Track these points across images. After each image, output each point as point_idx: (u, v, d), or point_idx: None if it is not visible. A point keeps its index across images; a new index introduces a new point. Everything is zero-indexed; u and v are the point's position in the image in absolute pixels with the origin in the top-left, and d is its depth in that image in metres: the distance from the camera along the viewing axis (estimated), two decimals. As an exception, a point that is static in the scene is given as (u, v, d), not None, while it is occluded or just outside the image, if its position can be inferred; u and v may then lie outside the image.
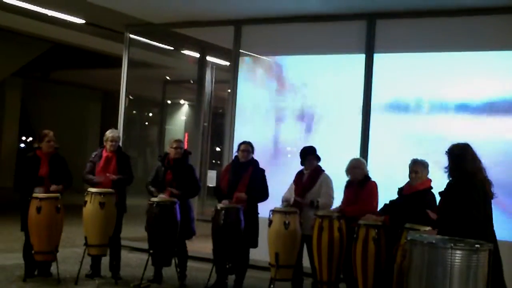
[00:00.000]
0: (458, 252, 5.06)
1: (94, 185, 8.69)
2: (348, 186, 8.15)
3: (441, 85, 9.51)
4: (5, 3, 11.71)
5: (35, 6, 11.86)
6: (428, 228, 6.36)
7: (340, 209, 7.99)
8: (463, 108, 9.35)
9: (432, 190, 7.16)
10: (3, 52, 19.58)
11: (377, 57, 9.86)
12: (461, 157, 6.03)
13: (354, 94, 9.96)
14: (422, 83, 9.64)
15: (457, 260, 5.05)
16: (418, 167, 7.29)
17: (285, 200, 8.39)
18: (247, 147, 8.65)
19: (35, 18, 13.50)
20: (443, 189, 6.28)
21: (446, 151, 6.15)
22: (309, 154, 8.40)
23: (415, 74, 9.69)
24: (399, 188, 7.42)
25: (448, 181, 6.22)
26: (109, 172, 8.69)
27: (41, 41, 18.07)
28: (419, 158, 7.39)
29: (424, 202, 6.95)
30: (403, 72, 9.80)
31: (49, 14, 12.41)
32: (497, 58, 9.23)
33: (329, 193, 8.26)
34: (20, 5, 11.76)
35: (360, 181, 8.01)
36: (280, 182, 8.70)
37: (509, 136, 9.03)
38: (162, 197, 8.40)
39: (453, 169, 6.07)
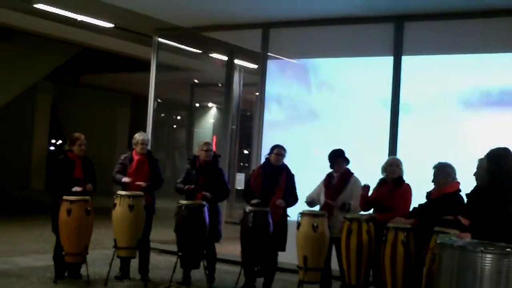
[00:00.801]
0: (488, 256, 4.99)
1: (122, 185, 8.77)
2: (382, 185, 8.07)
3: (469, 87, 9.45)
4: (36, 8, 11.84)
5: (65, 11, 11.97)
6: (456, 232, 6.30)
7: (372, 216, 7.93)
8: (492, 109, 9.28)
9: (460, 193, 7.11)
10: (34, 57, 19.82)
11: (405, 59, 9.82)
12: (503, 159, 5.94)
13: (382, 97, 9.93)
14: (451, 84, 9.58)
15: (487, 264, 4.99)
16: (445, 171, 7.24)
17: (310, 197, 8.39)
18: (281, 151, 8.60)
19: (65, 23, 13.63)
20: (470, 192, 6.24)
21: (487, 154, 6.06)
22: (338, 157, 8.37)
23: (443, 76, 9.64)
24: (427, 192, 7.38)
25: (475, 185, 6.16)
26: (142, 175, 8.75)
27: (71, 45, 18.27)
28: (443, 161, 7.34)
29: (452, 206, 6.89)
30: (431, 74, 9.76)
31: (79, 19, 12.53)
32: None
33: (360, 196, 8.25)
34: (50, 11, 11.89)
35: (395, 180, 7.94)
36: (308, 186, 8.68)
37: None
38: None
39: (492, 171, 5.98)
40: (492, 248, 5.05)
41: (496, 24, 9.19)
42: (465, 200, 6.80)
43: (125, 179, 8.71)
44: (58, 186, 8.54)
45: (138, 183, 8.66)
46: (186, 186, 8.64)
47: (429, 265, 6.41)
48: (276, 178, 8.47)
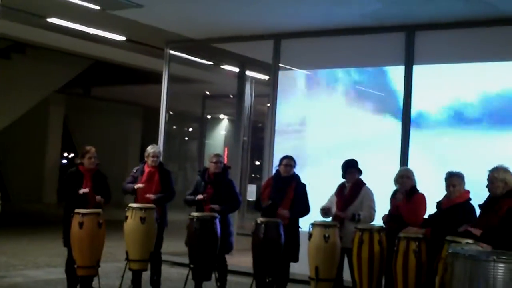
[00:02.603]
0: (501, 265, 4.97)
1: (133, 193, 8.78)
2: (395, 196, 8.04)
3: (482, 96, 9.41)
4: (49, 23, 11.92)
5: (77, 25, 12.05)
6: (470, 241, 6.25)
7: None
8: (504, 120, 9.24)
9: (471, 202, 7.08)
10: (47, 70, 19.95)
11: (417, 69, 9.81)
12: None
13: (393, 107, 9.93)
14: (464, 94, 9.55)
15: (500, 273, 4.96)
16: (455, 180, 7.19)
17: (323, 209, 8.36)
18: (290, 161, 8.60)
19: (77, 36, 13.71)
20: (483, 202, 6.22)
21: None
22: (350, 167, 8.36)
23: (455, 85, 9.62)
24: (437, 202, 7.34)
25: (488, 195, 6.16)
26: (152, 187, 8.75)
27: (82, 58, 18.37)
28: (454, 170, 7.30)
29: (463, 215, 6.86)
30: (443, 83, 9.74)
31: (90, 32, 12.60)
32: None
33: (371, 206, 8.22)
34: (63, 25, 11.97)
35: (408, 192, 7.90)
36: (319, 196, 8.65)
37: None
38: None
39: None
40: (505, 257, 5.03)
41: (509, 32, 9.14)
42: (476, 209, 6.81)
43: (137, 185, 8.72)
44: (68, 199, 8.56)
45: (147, 195, 8.67)
46: (198, 197, 8.64)
47: (441, 274, 6.37)
48: (284, 189, 8.46)
